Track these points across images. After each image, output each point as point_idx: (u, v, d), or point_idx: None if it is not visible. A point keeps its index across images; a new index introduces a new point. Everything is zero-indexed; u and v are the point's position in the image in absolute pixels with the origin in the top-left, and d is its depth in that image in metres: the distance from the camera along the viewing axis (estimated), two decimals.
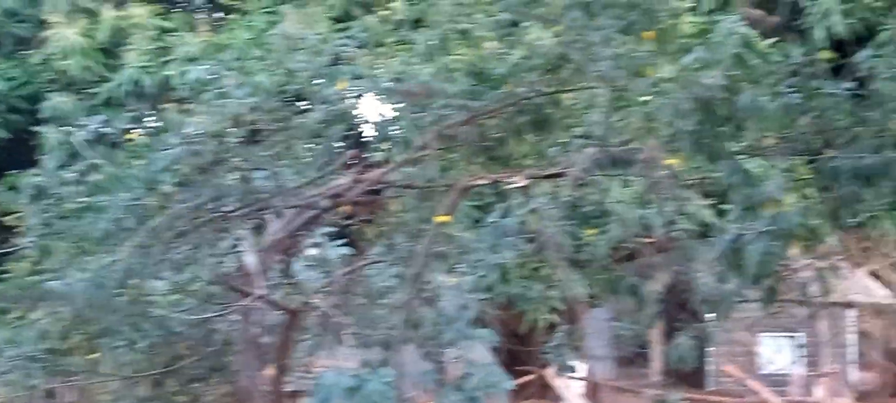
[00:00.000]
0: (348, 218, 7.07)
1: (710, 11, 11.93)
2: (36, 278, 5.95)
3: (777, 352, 20.45)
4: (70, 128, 6.52)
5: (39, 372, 6.52)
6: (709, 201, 6.02)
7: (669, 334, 8.37)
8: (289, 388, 7.95)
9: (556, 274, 6.68)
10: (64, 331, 6.26)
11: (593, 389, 17.13)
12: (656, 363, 17.28)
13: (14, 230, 6.72)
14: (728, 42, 5.13)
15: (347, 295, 7.43)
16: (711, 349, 20.20)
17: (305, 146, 6.50)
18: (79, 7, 14.62)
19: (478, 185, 5.85)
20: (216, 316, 7.14)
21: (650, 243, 6.99)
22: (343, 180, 6.44)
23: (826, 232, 5.55)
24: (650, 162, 5.40)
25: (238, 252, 6.94)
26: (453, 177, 6.19)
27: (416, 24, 5.89)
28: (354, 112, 6.55)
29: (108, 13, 14.47)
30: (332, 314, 7.22)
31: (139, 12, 14.53)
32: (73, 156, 6.53)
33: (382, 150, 6.75)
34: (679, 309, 6.48)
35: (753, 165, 6.50)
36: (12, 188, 6.13)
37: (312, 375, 8.57)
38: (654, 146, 5.38)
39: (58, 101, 14.10)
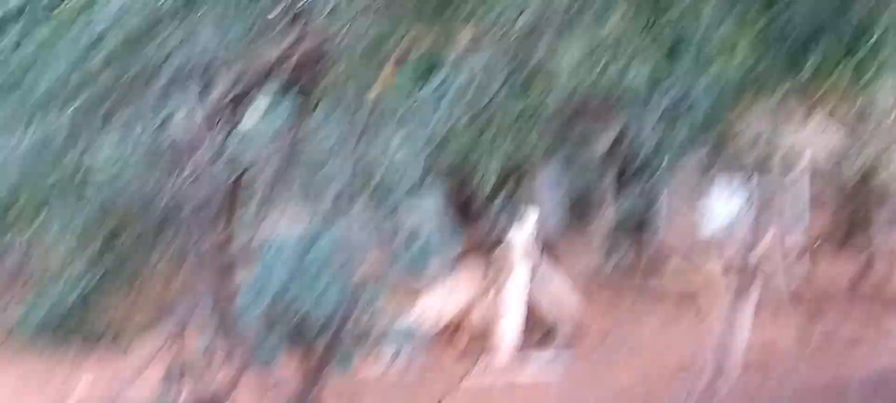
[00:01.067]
0: (293, 77, 6.93)
1: None
2: None
3: (725, 205, 20.62)
4: None
5: None
6: (658, 53, 5.95)
7: (620, 187, 8.34)
8: (236, 253, 7.89)
9: (504, 130, 6.62)
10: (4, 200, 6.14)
11: (544, 242, 17.21)
12: (607, 216, 17.36)
13: None
14: None
15: (294, 154, 7.34)
16: (659, 202, 20.35)
17: (245, 6, 6.34)
18: None
19: (422, 43, 5.74)
20: (160, 182, 7.02)
21: (599, 97, 6.93)
22: (285, 39, 6.31)
23: (778, 83, 5.50)
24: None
25: (181, 116, 6.81)
26: (399, 33, 6.07)
27: None
28: None
29: None
30: (279, 174, 7.14)
31: None
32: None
33: (326, 9, 6.60)
34: (628, 162, 6.46)
35: (704, 15, 6.42)
36: None
37: (260, 238, 8.53)
38: None
39: None
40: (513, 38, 5.36)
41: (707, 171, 17.96)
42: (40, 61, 5.63)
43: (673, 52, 5.67)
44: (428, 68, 6.22)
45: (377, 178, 6.77)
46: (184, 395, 6.99)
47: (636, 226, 18.84)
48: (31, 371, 7.80)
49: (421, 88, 5.98)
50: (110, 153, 7.06)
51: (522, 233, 11.29)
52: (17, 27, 5.78)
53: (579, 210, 15.51)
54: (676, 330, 14.77)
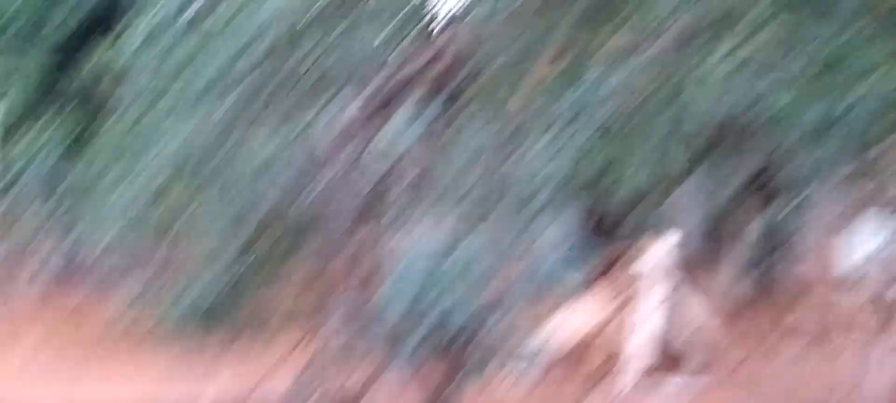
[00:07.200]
0: (437, 83, 7.03)
1: None
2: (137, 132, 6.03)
3: (868, 240, 20.08)
4: None
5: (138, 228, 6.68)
6: (806, 74, 5.89)
7: (761, 213, 8.16)
8: (376, 256, 8.01)
9: (647, 144, 6.61)
10: (160, 188, 6.36)
11: (681, 265, 16.98)
12: (746, 242, 17.10)
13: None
14: None
15: (435, 162, 7.43)
16: (800, 231, 19.93)
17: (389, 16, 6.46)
18: None
19: (571, 49, 5.77)
20: (306, 181, 7.19)
21: (744, 116, 6.87)
22: (432, 46, 6.40)
23: None
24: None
25: (328, 119, 6.96)
26: (546, 41, 6.11)
27: None
28: None
29: None
30: (420, 181, 7.23)
31: None
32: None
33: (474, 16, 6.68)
34: (771, 186, 6.40)
35: (855, 36, 6.33)
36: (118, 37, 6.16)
37: (400, 243, 8.63)
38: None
39: None
40: (661, 50, 5.37)
41: (852, 203, 17.57)
42: (201, 57, 5.83)
43: (821, 74, 5.60)
44: (572, 78, 6.25)
45: (516, 189, 6.81)
46: (320, 391, 7.12)
47: (775, 255, 18.49)
48: (173, 360, 8.02)
49: (565, 97, 6.01)
50: (260, 150, 7.26)
51: (659, 255, 11.21)
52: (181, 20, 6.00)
53: (716, 234, 15.30)
54: (810, 366, 14.45)
